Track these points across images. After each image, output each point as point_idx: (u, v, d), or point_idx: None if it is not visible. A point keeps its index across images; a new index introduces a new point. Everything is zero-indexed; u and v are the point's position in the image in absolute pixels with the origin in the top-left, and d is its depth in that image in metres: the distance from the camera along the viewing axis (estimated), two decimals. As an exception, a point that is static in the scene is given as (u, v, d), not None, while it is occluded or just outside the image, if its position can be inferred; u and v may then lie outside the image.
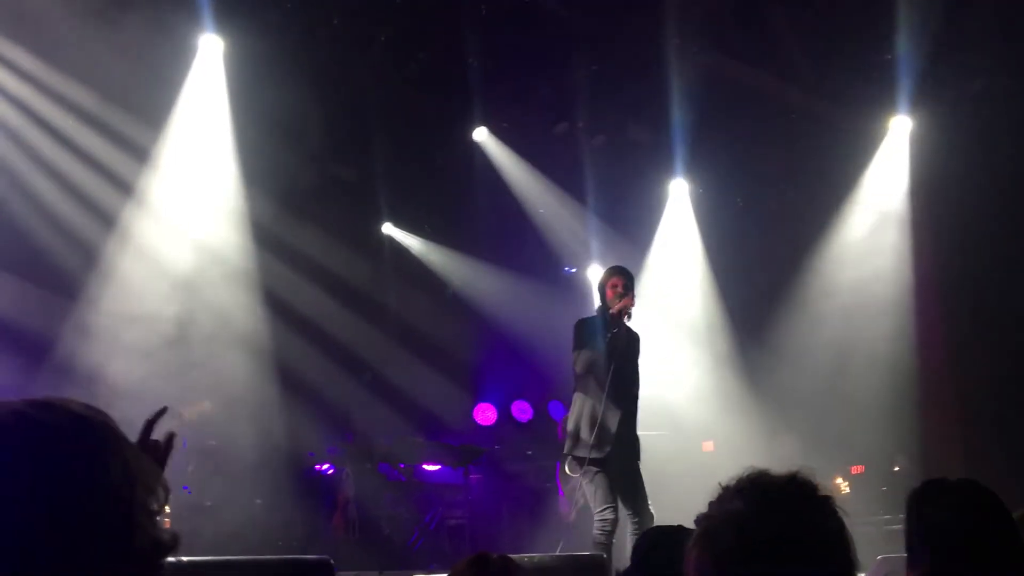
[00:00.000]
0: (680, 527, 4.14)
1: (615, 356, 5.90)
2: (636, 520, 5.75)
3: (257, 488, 7.90)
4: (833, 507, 1.47)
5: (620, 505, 5.81)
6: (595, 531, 5.72)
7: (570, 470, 7.80)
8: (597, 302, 6.18)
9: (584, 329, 6.08)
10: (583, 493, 8.91)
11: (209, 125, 8.53)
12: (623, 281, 6.04)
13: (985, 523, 2.33)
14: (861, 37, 8.37)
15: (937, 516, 2.37)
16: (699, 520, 1.53)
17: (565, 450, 6.03)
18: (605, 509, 5.71)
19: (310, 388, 9.28)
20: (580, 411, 5.95)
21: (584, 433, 5.85)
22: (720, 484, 1.52)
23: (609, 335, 5.90)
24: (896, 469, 9.03)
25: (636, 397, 6.07)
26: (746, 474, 1.51)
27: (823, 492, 1.46)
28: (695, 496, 1.72)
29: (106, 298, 7.88)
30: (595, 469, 5.81)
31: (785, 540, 1.41)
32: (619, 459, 5.85)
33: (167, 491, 1.36)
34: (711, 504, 1.52)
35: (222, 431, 7.69)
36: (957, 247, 9.12)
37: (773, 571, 1.40)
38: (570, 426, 5.99)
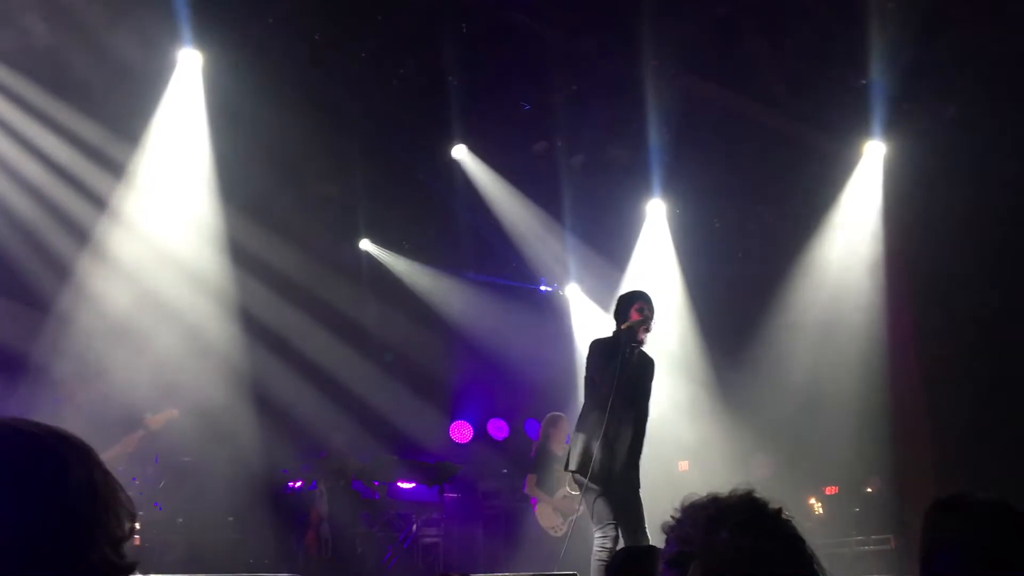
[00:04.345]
0: (651, 547, 4.16)
1: (624, 379, 5.86)
2: (631, 543, 5.67)
3: (229, 505, 7.83)
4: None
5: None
6: (596, 549, 5.65)
7: (570, 488, 7.78)
8: (615, 324, 6.11)
9: (604, 351, 6.02)
10: (581, 502, 8.91)
11: (187, 140, 8.48)
12: (648, 306, 6.04)
13: (1004, 539, 2.26)
14: (837, 62, 8.48)
15: (954, 530, 2.32)
16: (689, 555, 1.52)
17: (568, 467, 5.99)
18: (606, 527, 5.66)
19: (285, 405, 9.22)
20: (585, 430, 5.92)
21: (588, 452, 5.82)
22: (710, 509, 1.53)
23: (620, 356, 5.86)
24: (869, 491, 9.08)
25: (642, 420, 6.02)
26: (730, 499, 1.52)
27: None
28: (670, 516, 1.71)
29: (78, 313, 7.80)
30: (596, 488, 5.76)
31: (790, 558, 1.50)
32: (620, 480, 5.81)
33: (134, 520, 1.38)
34: (704, 533, 1.51)
35: (195, 447, 7.62)
36: (930, 269, 9.23)
37: None
38: (575, 444, 5.96)
